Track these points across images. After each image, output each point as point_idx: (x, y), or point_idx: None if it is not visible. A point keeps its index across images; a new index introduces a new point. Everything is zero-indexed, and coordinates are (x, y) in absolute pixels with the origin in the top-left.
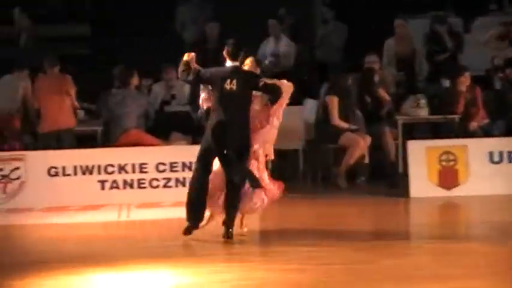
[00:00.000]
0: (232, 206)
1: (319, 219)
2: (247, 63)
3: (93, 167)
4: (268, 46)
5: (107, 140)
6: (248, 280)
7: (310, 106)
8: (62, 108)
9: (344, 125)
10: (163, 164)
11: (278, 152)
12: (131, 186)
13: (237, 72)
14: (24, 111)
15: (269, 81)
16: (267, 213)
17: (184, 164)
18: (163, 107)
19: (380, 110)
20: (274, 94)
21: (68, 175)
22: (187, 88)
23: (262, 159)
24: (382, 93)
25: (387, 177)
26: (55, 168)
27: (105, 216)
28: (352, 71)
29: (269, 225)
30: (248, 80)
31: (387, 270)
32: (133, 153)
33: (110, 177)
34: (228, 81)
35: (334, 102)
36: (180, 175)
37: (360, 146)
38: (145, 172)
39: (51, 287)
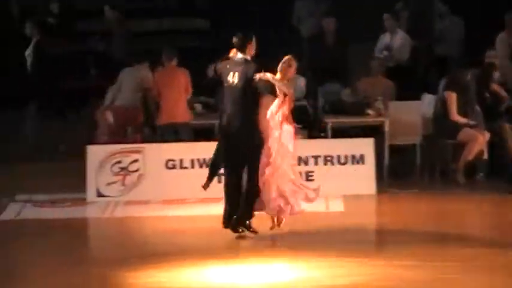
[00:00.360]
0: (245, 203)
1: (437, 215)
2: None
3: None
4: (384, 40)
5: None
6: (361, 276)
7: (428, 101)
8: (179, 102)
9: (463, 120)
10: None
11: (396, 147)
12: None
13: (240, 64)
14: (145, 104)
15: (266, 77)
16: (384, 209)
17: (300, 159)
18: None
19: (499, 106)
20: (266, 92)
21: (185, 168)
22: (302, 82)
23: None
24: (498, 88)
25: (506, 173)
26: (172, 160)
27: (222, 209)
28: (472, 66)
29: (385, 221)
30: (246, 72)
31: (505, 269)
32: None
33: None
34: (231, 73)
35: (452, 97)
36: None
37: (478, 141)
38: None
39: (168, 279)
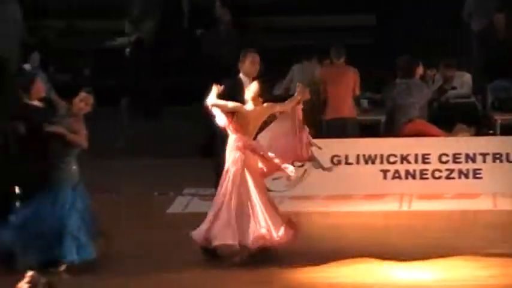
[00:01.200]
0: None
1: None
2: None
3: (375, 156)
4: None
5: (390, 129)
6: None
7: None
8: (346, 98)
9: None
10: (446, 155)
11: None
12: (413, 176)
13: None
14: (313, 100)
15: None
16: None
17: (467, 156)
18: (448, 98)
19: None
20: None
21: (351, 164)
22: (469, 78)
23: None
24: None
25: None
26: (338, 156)
27: (387, 206)
28: None
29: None
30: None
31: None
32: (416, 143)
33: (392, 167)
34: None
35: None
36: (463, 166)
37: None
38: (428, 163)
39: (336, 274)
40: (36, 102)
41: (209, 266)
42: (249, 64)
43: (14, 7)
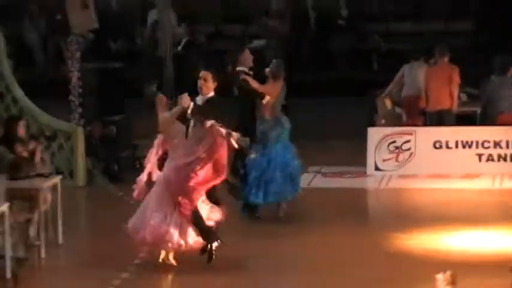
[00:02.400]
0: None
1: None
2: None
3: (472, 142)
4: None
5: (484, 119)
6: None
7: None
8: (446, 93)
9: None
10: None
11: None
12: (504, 159)
13: None
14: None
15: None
16: None
17: None
18: None
19: None
20: None
21: (450, 148)
22: None
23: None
24: None
25: None
26: (439, 142)
27: (481, 184)
28: None
29: None
30: None
31: None
32: (507, 131)
33: (486, 151)
34: None
35: None
36: None
37: None
38: None
39: (429, 241)
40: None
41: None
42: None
43: (170, 14)
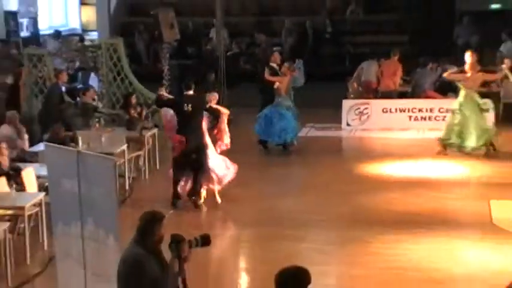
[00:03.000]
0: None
1: None
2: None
3: (406, 108)
4: None
5: (413, 95)
6: None
7: None
8: (392, 79)
9: None
10: None
11: None
12: (425, 119)
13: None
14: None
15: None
16: None
17: None
18: None
19: None
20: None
21: (392, 112)
22: None
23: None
24: None
25: None
26: (386, 108)
27: (411, 135)
28: None
29: None
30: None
31: None
32: (426, 102)
33: (414, 114)
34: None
35: None
36: None
37: None
38: None
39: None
40: None
41: None
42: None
43: (223, 31)
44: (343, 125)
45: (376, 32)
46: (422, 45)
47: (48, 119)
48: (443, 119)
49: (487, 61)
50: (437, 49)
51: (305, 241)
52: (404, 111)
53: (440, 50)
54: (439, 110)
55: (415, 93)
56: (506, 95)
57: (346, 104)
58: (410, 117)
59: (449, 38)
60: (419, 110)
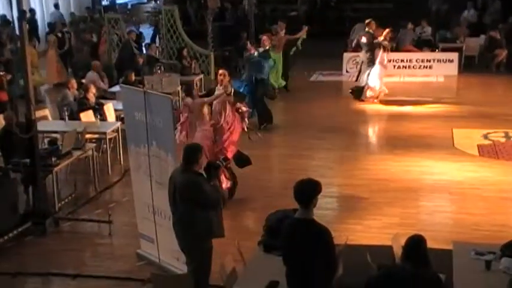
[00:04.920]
0: None
1: None
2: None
3: (391, 59)
4: None
5: (397, 49)
6: None
7: None
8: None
9: None
10: None
11: None
12: (405, 67)
13: None
14: None
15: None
16: None
17: None
18: None
19: None
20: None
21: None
22: None
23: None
24: None
25: None
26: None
27: (394, 79)
28: None
29: None
30: None
31: None
32: (406, 54)
33: (397, 64)
34: None
35: None
36: None
37: None
38: None
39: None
40: None
41: None
42: None
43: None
44: (343, 71)
45: (369, 1)
46: (404, 11)
47: (123, 67)
48: (419, 68)
49: (454, 23)
50: (416, 14)
51: (315, 159)
52: (391, 61)
53: (417, 14)
54: (416, 61)
55: (398, 48)
56: (467, 49)
57: (346, 55)
58: (394, 66)
59: (425, 5)
60: (401, 61)
